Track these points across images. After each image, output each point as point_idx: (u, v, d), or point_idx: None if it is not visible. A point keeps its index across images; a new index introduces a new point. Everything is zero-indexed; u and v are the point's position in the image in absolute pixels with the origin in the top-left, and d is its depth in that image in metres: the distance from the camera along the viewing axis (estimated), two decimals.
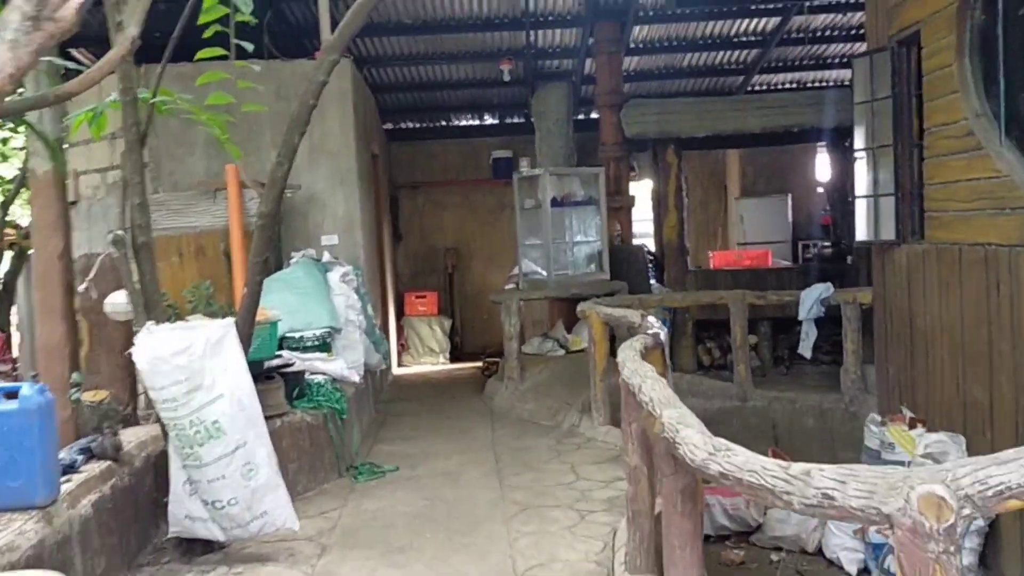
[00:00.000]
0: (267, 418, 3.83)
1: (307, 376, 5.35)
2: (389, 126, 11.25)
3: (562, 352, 7.87)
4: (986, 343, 4.44)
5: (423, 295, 10.88)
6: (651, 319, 5.00)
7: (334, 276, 6.23)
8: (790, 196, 10.55)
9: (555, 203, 7.78)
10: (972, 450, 4.49)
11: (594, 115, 11.35)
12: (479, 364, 10.09)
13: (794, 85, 10.39)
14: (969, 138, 4.58)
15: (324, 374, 5.51)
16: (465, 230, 11.49)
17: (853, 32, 9.08)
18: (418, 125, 11.52)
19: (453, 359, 10.83)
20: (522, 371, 7.44)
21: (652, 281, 8.37)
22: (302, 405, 5.05)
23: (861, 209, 5.98)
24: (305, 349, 5.72)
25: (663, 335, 4.35)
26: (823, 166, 11.82)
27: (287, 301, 5.85)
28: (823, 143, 9.26)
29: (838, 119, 7.45)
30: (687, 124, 7.82)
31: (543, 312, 9.02)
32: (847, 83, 6.59)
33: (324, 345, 5.80)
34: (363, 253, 7.45)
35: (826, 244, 8.32)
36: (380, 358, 6.86)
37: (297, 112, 4.10)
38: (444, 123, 11.50)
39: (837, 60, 9.94)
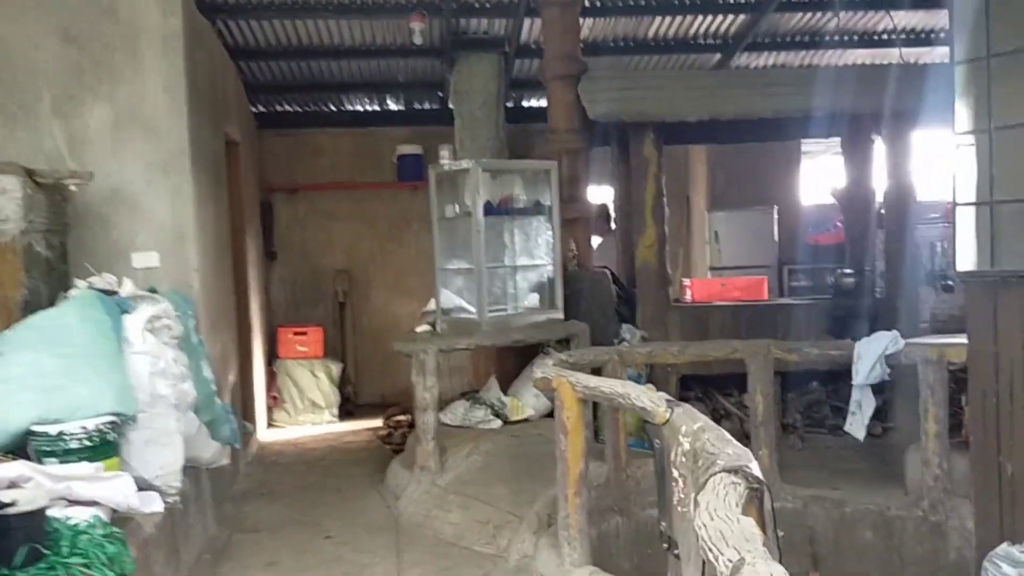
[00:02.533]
0: None
1: (57, 514, 2.98)
2: (260, 109, 8.84)
3: (497, 423, 5.66)
4: None
5: (303, 331, 8.49)
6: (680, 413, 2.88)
7: (134, 322, 3.85)
8: (776, 209, 8.68)
9: (490, 210, 5.60)
10: None
11: (530, 102, 9.25)
12: (378, 425, 7.78)
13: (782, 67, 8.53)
14: None
15: (94, 503, 3.14)
16: (361, 248, 9.16)
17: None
18: (298, 109, 9.14)
19: (344, 415, 8.48)
20: (442, 456, 5.19)
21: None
22: None
23: (966, 223, 4.03)
24: (67, 455, 3.33)
25: (755, 468, 2.20)
26: (811, 173, 10.04)
27: (39, 368, 3.47)
28: (834, 137, 7.39)
29: (895, 102, 5.57)
30: (675, 104, 5.78)
31: (463, 358, 6.77)
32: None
33: (104, 446, 3.42)
34: (201, 279, 5.07)
35: (847, 272, 6.38)
36: (218, 448, 4.48)
37: None
38: (333, 107, 9.17)
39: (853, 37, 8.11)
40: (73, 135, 4.85)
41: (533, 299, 6.00)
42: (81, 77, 4.89)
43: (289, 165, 8.99)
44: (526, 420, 5.74)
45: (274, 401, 8.21)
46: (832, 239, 8.75)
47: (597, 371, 4.73)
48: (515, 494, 4.71)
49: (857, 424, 4.95)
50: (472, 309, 5.86)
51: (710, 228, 8.72)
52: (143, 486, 3.68)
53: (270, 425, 8.14)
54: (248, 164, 7.85)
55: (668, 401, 3.02)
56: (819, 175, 10.50)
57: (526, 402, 5.80)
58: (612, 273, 6.32)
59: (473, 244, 5.48)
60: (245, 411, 7.04)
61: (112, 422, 3.46)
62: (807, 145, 9.65)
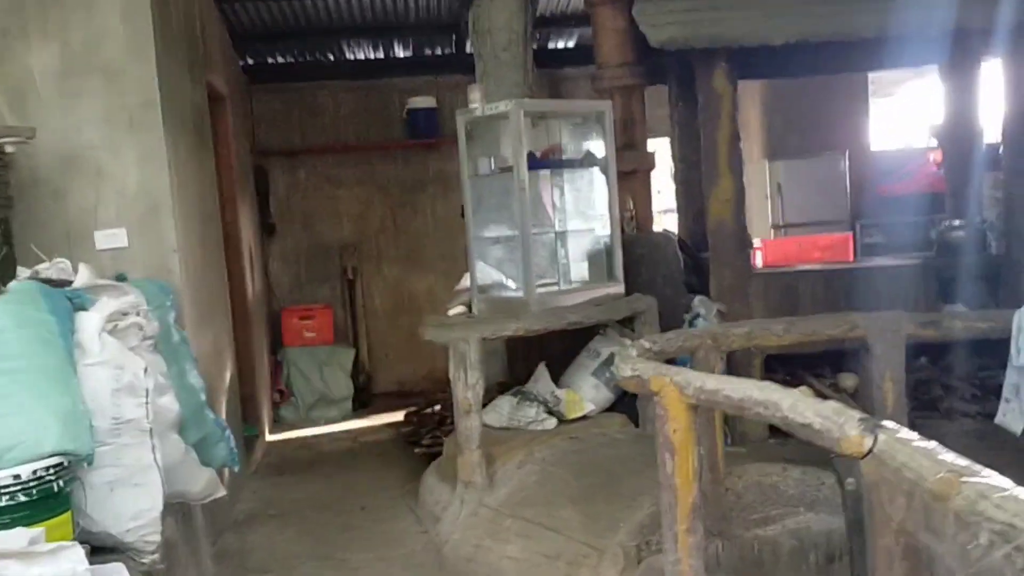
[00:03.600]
0: None
1: None
2: (249, 61, 7.84)
3: (552, 422, 4.73)
4: None
5: (310, 314, 7.57)
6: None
7: (89, 322, 2.91)
8: (847, 155, 7.66)
9: (533, 163, 4.62)
10: None
11: (557, 43, 8.22)
12: (399, 419, 6.89)
13: None
14: None
15: None
16: (370, 217, 8.21)
17: None
18: (292, 59, 8.13)
19: (358, 409, 7.57)
20: (489, 467, 4.28)
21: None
22: None
23: None
24: None
25: None
26: (880, 113, 9.01)
27: None
28: (930, 64, 6.36)
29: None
30: (755, 24, 4.76)
31: (496, 342, 5.78)
32: None
33: (47, 500, 2.50)
34: (183, 261, 4.13)
35: (954, 224, 5.41)
36: (211, 476, 3.55)
37: None
38: (332, 56, 8.15)
39: None
40: (11, 83, 3.89)
41: (583, 269, 5.05)
42: (20, 9, 3.92)
43: (285, 125, 8.01)
44: (585, 417, 4.82)
45: (281, 396, 7.32)
46: (907, 188, 7.77)
47: (671, 361, 3.80)
48: (588, 518, 3.79)
49: (1015, 415, 4.01)
50: (514, 285, 4.92)
51: (771, 180, 7.72)
52: (111, 545, 2.78)
53: (276, 423, 7.25)
54: (238, 123, 6.88)
55: (862, 420, 2.09)
56: (889, 116, 9.42)
57: (584, 394, 4.87)
58: (677, 236, 5.35)
59: (516, 206, 4.52)
60: (246, 411, 6.15)
61: (59, 465, 2.53)
62: (875, 82, 8.62)
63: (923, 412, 5.28)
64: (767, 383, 2.69)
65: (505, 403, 4.79)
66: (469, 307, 4.87)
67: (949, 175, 5.92)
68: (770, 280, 5.19)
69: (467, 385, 4.19)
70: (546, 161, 4.76)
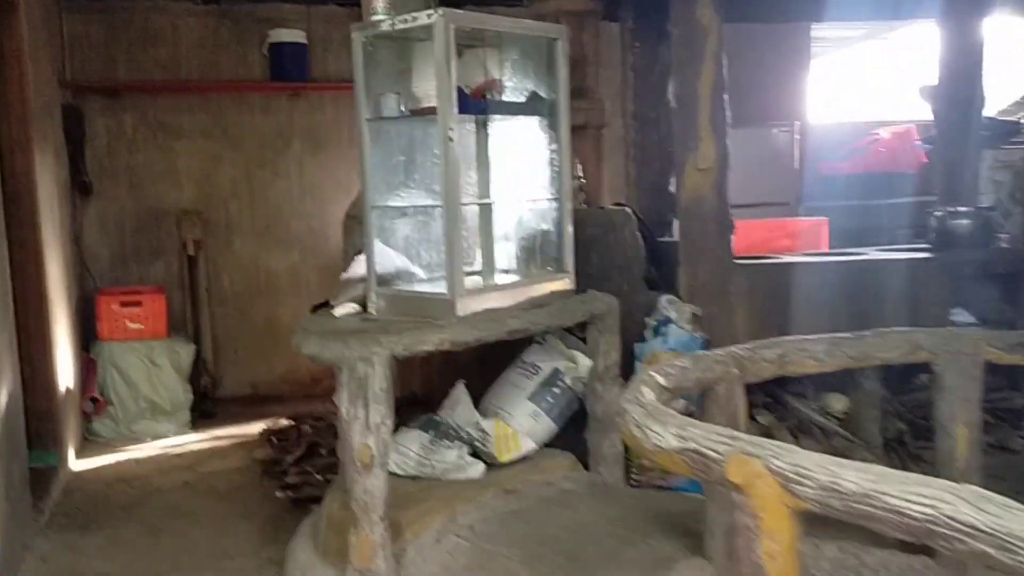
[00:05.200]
0: None
1: None
2: None
3: (479, 468, 3.44)
4: None
5: (136, 299, 5.93)
6: None
7: None
8: (796, 127, 6.69)
9: (465, 103, 3.28)
10: None
11: None
12: (253, 435, 5.46)
13: None
14: None
15: None
16: (219, 178, 6.62)
17: None
18: None
19: (199, 420, 6.03)
20: (393, 543, 2.95)
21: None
22: None
23: None
24: None
25: None
26: (821, 84, 8.10)
27: None
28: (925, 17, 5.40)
29: None
30: None
31: None
32: None
33: None
34: None
35: (959, 210, 4.47)
36: None
37: None
38: None
39: None
40: None
41: (520, 256, 3.76)
42: None
43: (108, 54, 6.29)
44: (514, 463, 3.55)
45: (95, 405, 5.67)
46: (852, 167, 6.91)
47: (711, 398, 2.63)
48: None
49: None
50: (425, 275, 3.59)
51: None
52: None
53: (87, 441, 5.62)
54: (39, 44, 5.17)
55: None
56: (828, 82, 8.51)
57: (519, 426, 3.61)
58: (635, 213, 4.14)
59: (443, 163, 3.16)
60: (39, 432, 4.57)
61: None
62: (817, 41, 7.70)
63: (922, 443, 4.35)
64: (938, 482, 1.53)
65: (413, 440, 3.46)
66: (363, 305, 3.49)
67: (941, 148, 4.98)
68: (755, 275, 4.07)
69: (368, 427, 2.84)
70: (480, 103, 3.42)
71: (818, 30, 7.40)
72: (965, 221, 4.51)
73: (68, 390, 5.20)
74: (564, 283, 3.66)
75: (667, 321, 3.80)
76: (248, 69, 6.52)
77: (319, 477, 4.28)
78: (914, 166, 6.81)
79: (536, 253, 3.69)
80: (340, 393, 2.93)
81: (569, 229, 3.66)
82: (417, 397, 4.36)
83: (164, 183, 6.49)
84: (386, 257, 3.57)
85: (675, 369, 2.50)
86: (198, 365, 6.24)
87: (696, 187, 3.87)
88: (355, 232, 5.32)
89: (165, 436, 5.72)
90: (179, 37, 6.42)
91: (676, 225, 4.49)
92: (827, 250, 4.81)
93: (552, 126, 3.61)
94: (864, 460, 4.00)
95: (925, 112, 5.62)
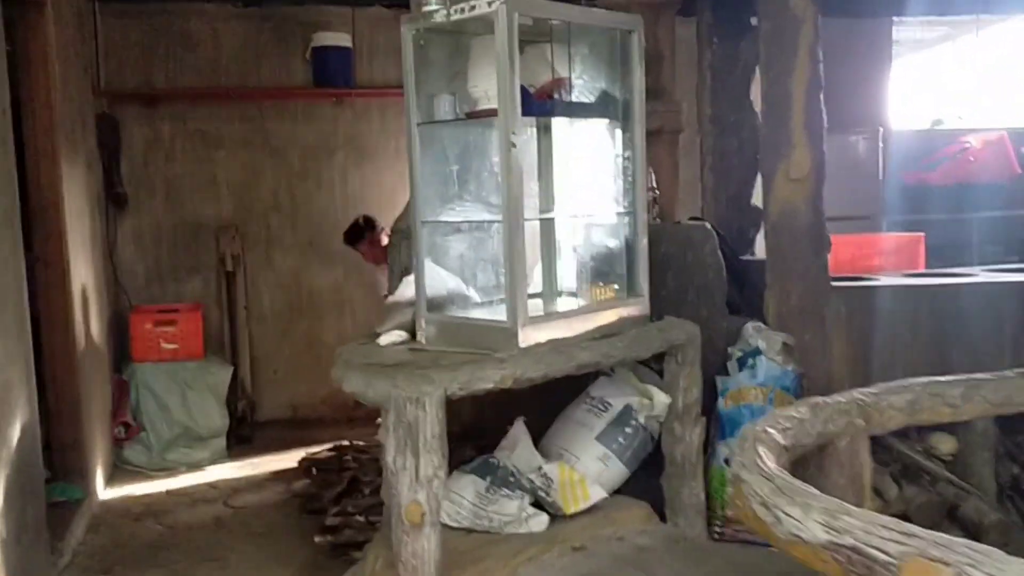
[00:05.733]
0: None
1: None
2: None
3: (543, 521, 3.00)
4: None
5: (171, 317, 5.63)
6: None
7: None
8: (881, 134, 6.18)
9: (529, 103, 2.87)
10: None
11: None
12: (290, 465, 5.12)
13: None
14: None
15: None
16: (259, 189, 6.32)
17: None
18: None
19: (235, 447, 5.70)
20: None
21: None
22: None
23: None
24: None
25: None
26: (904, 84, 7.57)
27: None
28: None
29: None
30: None
31: None
32: None
33: None
34: None
35: None
36: None
37: None
38: None
39: None
40: None
41: (588, 277, 3.34)
42: None
43: (145, 60, 6.03)
44: (583, 513, 3.11)
45: (126, 432, 5.36)
46: (941, 178, 6.38)
47: (816, 451, 2.18)
48: None
49: None
50: (479, 299, 3.20)
51: None
52: None
53: (117, 468, 5.31)
54: (70, 49, 4.90)
55: None
56: (910, 86, 7.96)
57: (587, 471, 3.18)
58: (715, 229, 3.70)
59: (504, 172, 2.76)
60: (64, 464, 4.26)
61: None
62: (901, 44, 7.18)
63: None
64: None
65: (467, 487, 3.04)
66: (412, 332, 3.10)
67: None
68: (855, 299, 3.59)
69: (418, 480, 2.43)
70: (545, 104, 3.01)
71: (897, 31, 6.89)
72: None
73: (98, 416, 4.89)
74: (638, 308, 3.22)
75: (755, 352, 3.35)
76: (290, 75, 6.21)
77: (361, 519, 3.89)
78: (1007, 176, 6.27)
79: (606, 274, 3.26)
80: (386, 437, 2.54)
81: (643, 247, 3.23)
82: (468, 432, 3.95)
83: (202, 195, 6.20)
84: (437, 278, 3.17)
85: (791, 422, 2.06)
86: (235, 387, 5.93)
87: (788, 199, 3.42)
88: (402, 249, 4.95)
89: (199, 465, 5.39)
90: (219, 42, 6.14)
91: (760, 242, 4.04)
92: (928, 270, 4.32)
93: (625, 130, 3.19)
94: (977, 509, 3.47)
95: (1016, 118, 5.12)
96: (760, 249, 4.04)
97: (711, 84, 4.10)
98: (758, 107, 3.82)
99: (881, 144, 6.23)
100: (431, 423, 2.43)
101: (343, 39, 6.10)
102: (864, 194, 6.07)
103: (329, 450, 4.99)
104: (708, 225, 3.63)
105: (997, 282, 3.81)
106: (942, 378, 2.45)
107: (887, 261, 4.44)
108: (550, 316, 3.01)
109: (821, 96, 3.47)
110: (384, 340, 3.07)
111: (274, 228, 6.34)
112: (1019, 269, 4.15)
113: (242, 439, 5.85)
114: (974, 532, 3.47)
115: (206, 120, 6.15)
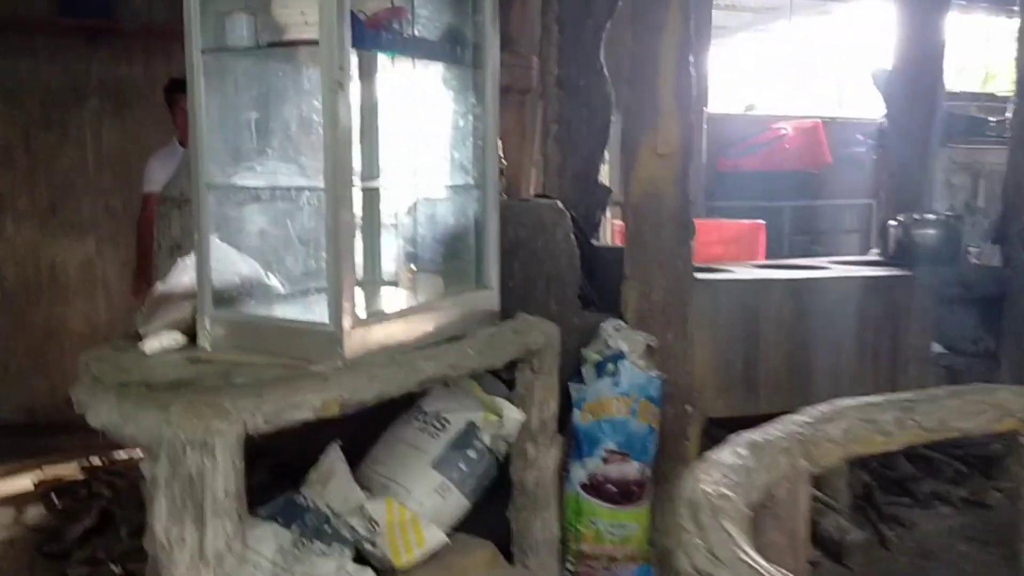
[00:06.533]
0: None
1: None
2: None
3: None
4: None
5: None
6: None
7: None
8: (705, 115, 5.91)
9: (361, 36, 2.15)
10: None
11: None
12: (26, 488, 4.12)
13: None
14: None
15: None
16: None
17: None
18: None
19: None
20: None
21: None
22: None
23: None
24: None
25: None
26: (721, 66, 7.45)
27: None
28: None
29: None
30: None
31: None
32: None
33: None
34: None
35: (925, 217, 3.81)
36: None
37: None
38: None
39: None
40: None
41: (427, 262, 2.68)
42: None
43: None
44: (426, 558, 2.47)
45: None
46: (758, 164, 6.26)
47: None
48: None
49: None
50: (284, 289, 2.47)
51: None
52: None
53: None
54: None
55: None
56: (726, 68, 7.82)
57: (420, 506, 2.53)
58: (569, 211, 3.15)
59: (328, 122, 2.03)
60: None
61: None
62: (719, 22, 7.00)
63: (890, 497, 3.65)
64: None
65: (267, 540, 2.30)
66: (190, 333, 2.31)
67: (897, 147, 4.29)
68: (715, 294, 3.16)
69: (202, 557, 1.69)
70: (379, 36, 2.30)
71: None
72: (931, 231, 3.83)
73: None
74: (486, 303, 2.62)
75: (616, 356, 2.84)
76: (28, 1, 5.02)
77: (115, 569, 3.03)
78: (819, 165, 6.25)
79: (448, 261, 2.62)
80: (153, 495, 1.76)
81: (495, 228, 2.62)
82: (260, 450, 3.19)
83: None
84: (227, 261, 2.40)
85: (737, 474, 1.52)
86: None
87: (653, 178, 2.92)
88: (172, 220, 4.06)
89: None
90: None
91: (606, 225, 3.55)
92: (773, 261, 4.03)
93: (475, 80, 2.55)
94: (838, 526, 3.16)
95: (823, 107, 5.01)
96: (607, 235, 3.56)
97: (558, 40, 3.54)
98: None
99: (705, 126, 6.01)
100: (224, 476, 1.70)
101: None
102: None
103: (76, 469, 4.02)
104: (560, 204, 3.07)
105: (858, 276, 3.54)
106: (871, 399, 2.03)
107: (728, 250, 4.11)
108: (380, 316, 2.33)
109: (691, 59, 3.01)
110: (151, 345, 2.26)
111: (4, 190, 5.14)
112: (869, 262, 3.94)
113: None
114: (835, 550, 3.19)
115: None
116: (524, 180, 3.42)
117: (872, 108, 7.46)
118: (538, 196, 3.33)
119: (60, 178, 5.22)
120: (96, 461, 4.10)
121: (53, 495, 3.86)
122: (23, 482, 4.18)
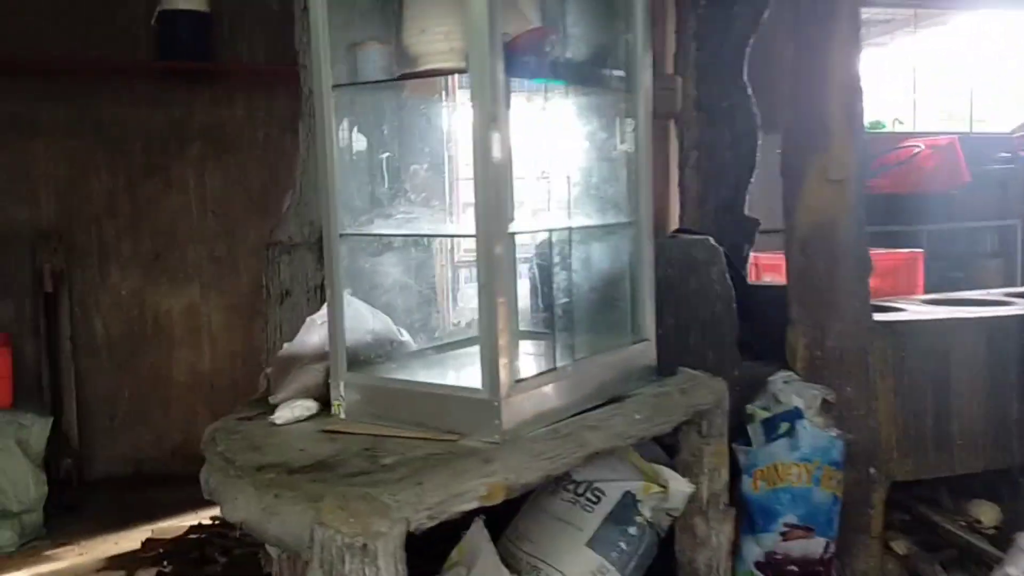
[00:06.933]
0: None
1: None
2: None
3: None
4: None
5: None
6: None
7: None
8: None
9: (514, 64, 1.89)
10: None
11: None
12: (132, 546, 3.97)
13: None
14: None
15: None
16: (91, 189, 5.05)
17: None
18: None
19: (58, 519, 4.43)
20: None
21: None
22: None
23: None
24: None
25: None
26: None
27: None
28: None
29: None
30: None
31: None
32: None
33: None
34: None
35: None
36: None
37: None
38: None
39: None
40: None
41: (582, 315, 2.39)
42: None
43: None
44: None
45: None
46: (892, 185, 5.82)
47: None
48: None
49: None
50: (416, 345, 2.21)
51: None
52: None
53: None
54: None
55: None
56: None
57: None
58: (722, 248, 2.82)
59: (478, 165, 1.77)
60: None
61: None
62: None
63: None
64: None
65: None
66: (321, 398, 2.06)
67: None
68: (902, 336, 2.78)
69: None
70: (529, 62, 2.03)
71: None
72: None
73: None
74: (644, 356, 2.31)
75: (791, 414, 2.49)
76: (130, 45, 4.97)
77: None
78: (957, 185, 5.78)
79: (600, 309, 2.33)
80: None
81: (649, 271, 2.32)
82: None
83: (13, 195, 4.87)
84: (359, 317, 2.15)
85: None
86: (57, 442, 4.63)
87: (824, 208, 2.59)
88: (281, 267, 3.86)
89: (4, 550, 4.09)
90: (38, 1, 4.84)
91: (752, 258, 3.21)
92: (941, 295, 3.61)
93: (632, 108, 2.26)
94: None
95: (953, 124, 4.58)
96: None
97: (696, 58, 3.23)
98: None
99: None
100: None
101: (198, 2, 4.92)
102: None
103: (187, 532, 3.84)
104: (712, 240, 2.75)
105: None
106: None
107: (885, 283, 3.72)
108: (536, 378, 2.04)
109: (860, 82, 2.67)
110: (283, 415, 2.02)
111: (109, 238, 5.07)
112: None
113: (66, 508, 4.56)
114: None
115: (18, 100, 4.83)
116: (668, 214, 3.11)
117: (1004, 122, 6.96)
118: (681, 231, 3.02)
119: (164, 225, 5.15)
120: (206, 520, 3.92)
121: (163, 558, 3.69)
122: (131, 541, 4.04)
